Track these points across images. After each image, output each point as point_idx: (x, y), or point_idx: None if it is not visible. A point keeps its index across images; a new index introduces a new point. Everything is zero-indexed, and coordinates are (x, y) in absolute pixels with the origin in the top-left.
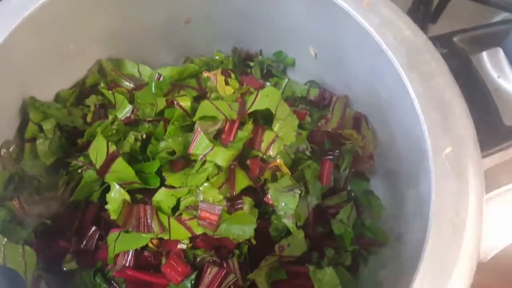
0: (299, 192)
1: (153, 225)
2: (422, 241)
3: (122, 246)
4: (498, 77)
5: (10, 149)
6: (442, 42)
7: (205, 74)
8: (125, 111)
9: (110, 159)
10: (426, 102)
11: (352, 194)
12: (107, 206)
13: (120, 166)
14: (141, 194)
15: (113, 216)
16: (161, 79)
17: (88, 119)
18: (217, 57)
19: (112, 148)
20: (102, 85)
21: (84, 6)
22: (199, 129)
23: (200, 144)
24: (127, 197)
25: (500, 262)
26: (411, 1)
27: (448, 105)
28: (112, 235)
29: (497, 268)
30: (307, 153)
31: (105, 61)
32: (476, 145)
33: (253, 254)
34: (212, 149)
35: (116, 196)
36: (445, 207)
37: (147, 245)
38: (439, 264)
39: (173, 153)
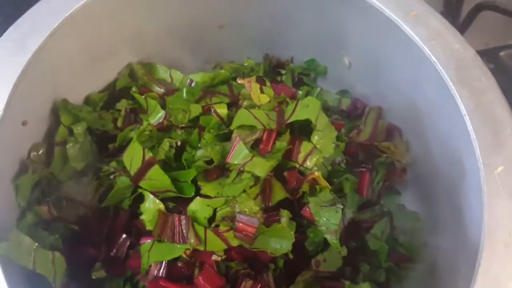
0: (341, 207)
1: (189, 236)
2: (469, 261)
3: (156, 256)
4: None
5: (40, 152)
6: (488, 57)
7: (240, 81)
8: (158, 116)
9: (146, 166)
10: (477, 119)
11: (384, 209)
12: (142, 217)
13: (156, 174)
14: (173, 203)
15: (149, 227)
16: (192, 84)
17: (119, 123)
18: (246, 64)
19: (149, 155)
20: (134, 89)
21: (120, 6)
22: (237, 138)
23: (238, 154)
24: (162, 207)
25: None
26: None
27: (499, 122)
28: (146, 244)
29: None
30: (343, 165)
31: (136, 64)
32: None
33: (288, 268)
34: (251, 159)
35: (151, 206)
36: (498, 229)
37: (180, 255)
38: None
39: (210, 162)
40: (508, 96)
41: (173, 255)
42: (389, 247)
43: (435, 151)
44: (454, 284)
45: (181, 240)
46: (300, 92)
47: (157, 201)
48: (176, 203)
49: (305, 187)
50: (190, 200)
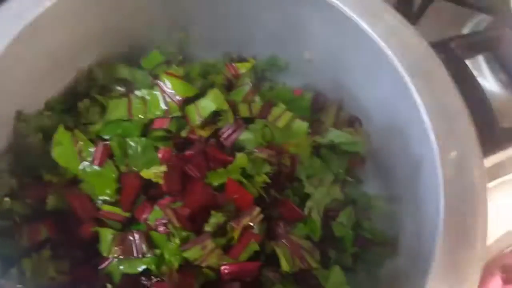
0: None
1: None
2: (429, 242)
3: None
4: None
5: (3, 162)
6: (440, 48)
7: None
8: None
9: None
10: (431, 108)
11: (349, 197)
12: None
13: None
14: None
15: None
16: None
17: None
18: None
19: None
20: (94, 90)
21: (79, 12)
22: None
23: None
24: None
25: None
26: (393, 2)
27: (451, 110)
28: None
29: None
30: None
31: (96, 66)
32: (478, 147)
33: None
34: None
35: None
36: (454, 210)
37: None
38: (452, 267)
39: None
40: (459, 85)
41: (135, 270)
42: (355, 233)
43: (393, 139)
44: (416, 264)
45: (139, 254)
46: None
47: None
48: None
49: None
50: None
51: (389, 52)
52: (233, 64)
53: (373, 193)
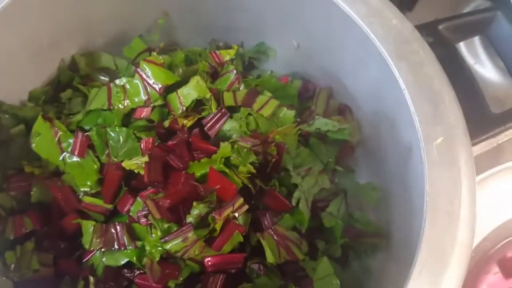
0: None
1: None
2: (417, 231)
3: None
4: (475, 63)
5: None
6: (427, 31)
7: None
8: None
9: None
10: (416, 92)
11: (339, 187)
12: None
13: None
14: None
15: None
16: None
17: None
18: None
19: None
20: (77, 80)
21: None
22: None
23: None
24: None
25: None
26: None
27: (437, 94)
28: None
29: None
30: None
31: (78, 56)
32: (466, 133)
33: None
34: None
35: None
36: (439, 197)
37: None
38: (436, 254)
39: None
40: (448, 69)
41: (118, 262)
42: (345, 224)
43: (382, 127)
44: (405, 253)
45: (121, 247)
46: (251, 77)
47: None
48: None
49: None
50: None
51: (371, 34)
52: (217, 52)
53: (364, 182)
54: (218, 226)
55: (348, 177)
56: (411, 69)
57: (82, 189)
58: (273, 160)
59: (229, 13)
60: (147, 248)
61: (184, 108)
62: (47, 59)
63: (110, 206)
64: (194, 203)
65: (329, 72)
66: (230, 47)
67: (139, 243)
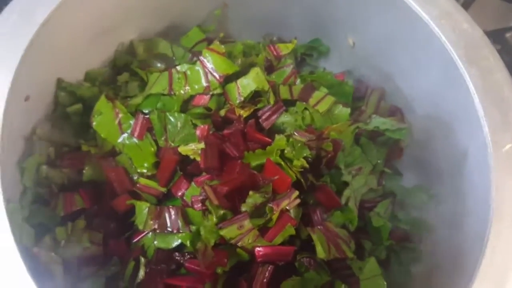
0: None
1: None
2: (473, 238)
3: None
4: None
5: (44, 129)
6: (495, 38)
7: None
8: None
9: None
10: (486, 98)
11: (386, 190)
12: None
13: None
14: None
15: (141, 227)
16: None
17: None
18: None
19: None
20: (135, 64)
21: None
22: None
23: None
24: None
25: None
26: None
27: (506, 101)
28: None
29: None
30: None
31: (137, 41)
32: None
33: None
34: None
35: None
36: (505, 205)
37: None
38: (501, 262)
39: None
40: None
41: (170, 245)
42: (392, 226)
43: (437, 132)
44: (453, 261)
45: (175, 230)
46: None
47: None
48: None
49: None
50: None
51: (442, 36)
52: (275, 45)
53: (410, 186)
54: (274, 217)
55: (396, 179)
56: (481, 75)
57: (139, 171)
58: (328, 156)
59: (285, 7)
60: (202, 233)
61: (242, 99)
62: (106, 42)
63: (164, 189)
64: (250, 192)
65: (383, 72)
66: (283, 42)
67: (192, 228)
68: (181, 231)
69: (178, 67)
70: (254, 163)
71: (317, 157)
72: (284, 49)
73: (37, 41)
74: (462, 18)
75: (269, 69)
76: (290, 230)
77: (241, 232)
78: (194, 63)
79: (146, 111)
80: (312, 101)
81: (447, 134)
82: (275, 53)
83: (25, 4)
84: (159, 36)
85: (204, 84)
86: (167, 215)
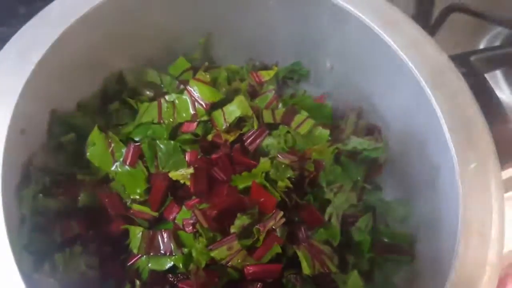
0: None
1: (171, 248)
2: (446, 248)
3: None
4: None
5: (40, 160)
6: (460, 61)
7: None
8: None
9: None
10: (451, 119)
11: (367, 204)
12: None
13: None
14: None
15: (136, 252)
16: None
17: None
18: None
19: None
20: (125, 94)
21: (113, 18)
22: None
23: None
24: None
25: None
26: (411, 14)
27: (471, 122)
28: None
29: None
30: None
31: (127, 71)
32: (497, 159)
33: None
34: None
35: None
36: (472, 220)
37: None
38: (469, 273)
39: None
40: (479, 99)
41: (163, 267)
42: (373, 239)
43: (411, 148)
44: (432, 269)
45: (167, 252)
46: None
47: (138, 229)
48: None
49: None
50: None
51: (409, 63)
52: (258, 72)
53: (390, 199)
54: (261, 237)
55: (376, 194)
56: (446, 98)
57: (132, 197)
58: (311, 175)
59: (267, 33)
60: (194, 254)
61: (228, 124)
62: (97, 72)
63: (156, 214)
64: (238, 215)
65: (360, 93)
66: (266, 66)
67: (185, 250)
68: (174, 254)
69: (167, 97)
70: (241, 186)
71: (300, 177)
72: (266, 75)
73: (33, 79)
74: (428, 45)
75: (253, 94)
76: (276, 249)
77: (230, 253)
78: (181, 92)
79: (137, 139)
80: (294, 124)
81: (421, 151)
82: (257, 79)
83: (22, 45)
84: (147, 64)
85: (192, 112)
86: (160, 238)
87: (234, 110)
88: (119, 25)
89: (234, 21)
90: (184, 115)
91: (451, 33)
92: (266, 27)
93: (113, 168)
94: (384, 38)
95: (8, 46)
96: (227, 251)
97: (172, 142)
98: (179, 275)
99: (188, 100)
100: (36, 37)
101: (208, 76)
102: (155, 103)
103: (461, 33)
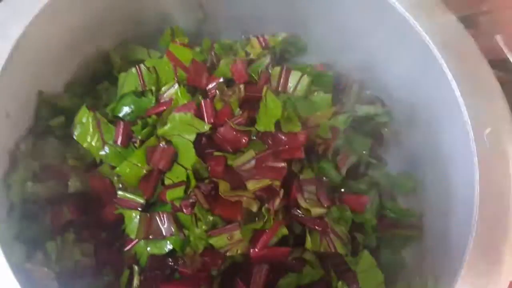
0: None
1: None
2: (458, 221)
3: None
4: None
5: (28, 145)
6: (468, 23)
7: None
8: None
9: None
10: (463, 83)
11: (372, 180)
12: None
13: None
14: None
15: (132, 236)
16: None
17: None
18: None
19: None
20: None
21: None
22: None
23: None
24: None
25: None
26: None
27: (484, 86)
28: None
29: None
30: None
31: (113, 50)
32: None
33: None
34: None
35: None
36: (490, 188)
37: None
38: (488, 247)
39: None
40: (489, 61)
41: (163, 250)
42: (379, 215)
43: (417, 117)
44: (442, 244)
45: (168, 235)
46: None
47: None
48: None
49: None
50: None
51: (417, 25)
52: (264, 36)
53: (396, 173)
54: (271, 218)
55: (381, 168)
56: (457, 60)
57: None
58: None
59: (261, 4)
60: (191, 239)
61: None
62: (84, 52)
63: (143, 201)
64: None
65: (362, 64)
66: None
67: (186, 232)
68: (174, 236)
69: (146, 62)
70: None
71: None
72: (272, 41)
73: (13, 57)
74: (435, 5)
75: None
76: (283, 231)
77: (230, 242)
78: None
79: (121, 114)
80: (291, 86)
81: (428, 121)
82: (263, 44)
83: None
84: (135, 42)
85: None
86: (159, 221)
87: None
88: (105, 1)
89: None
90: (165, 78)
91: None
92: None
93: (102, 151)
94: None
95: None
96: (227, 240)
97: None
98: (179, 258)
99: (170, 64)
100: (15, 11)
101: (186, 39)
102: (134, 70)
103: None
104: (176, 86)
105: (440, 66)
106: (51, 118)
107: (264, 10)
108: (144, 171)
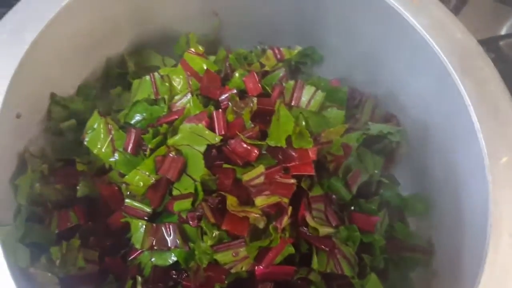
0: None
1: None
2: (468, 249)
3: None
4: None
5: (37, 146)
6: (488, 46)
7: None
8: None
9: None
10: (481, 108)
11: (383, 199)
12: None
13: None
14: None
15: (138, 246)
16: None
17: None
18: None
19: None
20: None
21: None
22: None
23: None
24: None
25: None
26: None
27: (502, 113)
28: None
29: None
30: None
31: (128, 54)
32: None
33: None
34: None
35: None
36: (503, 219)
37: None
38: (499, 277)
39: None
40: (508, 85)
41: (166, 262)
42: (388, 237)
43: (432, 139)
44: (450, 270)
45: (173, 247)
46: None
47: (140, 222)
48: None
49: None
50: None
51: (435, 46)
52: (280, 48)
53: (407, 194)
54: (278, 236)
55: (393, 189)
56: (476, 86)
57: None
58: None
59: (277, 14)
60: (196, 253)
61: None
62: (98, 56)
63: (150, 210)
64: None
65: (377, 79)
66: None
67: (191, 245)
68: (179, 248)
69: (160, 71)
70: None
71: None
72: (287, 53)
73: (27, 60)
74: (455, 27)
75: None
76: (289, 250)
77: (235, 258)
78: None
79: (133, 122)
80: (304, 99)
81: (443, 142)
82: (278, 56)
83: (15, 24)
84: (149, 47)
85: (188, 86)
86: (164, 232)
87: None
88: (121, 5)
89: (241, 1)
90: (179, 88)
91: (470, 21)
92: (274, 8)
93: (112, 158)
94: (406, 17)
95: (0, 24)
96: (233, 257)
97: None
98: (183, 271)
99: (183, 73)
100: (31, 15)
101: (201, 48)
102: (147, 78)
103: (481, 21)
104: (189, 95)
105: (457, 90)
106: (62, 120)
107: (279, 19)
108: (153, 180)
